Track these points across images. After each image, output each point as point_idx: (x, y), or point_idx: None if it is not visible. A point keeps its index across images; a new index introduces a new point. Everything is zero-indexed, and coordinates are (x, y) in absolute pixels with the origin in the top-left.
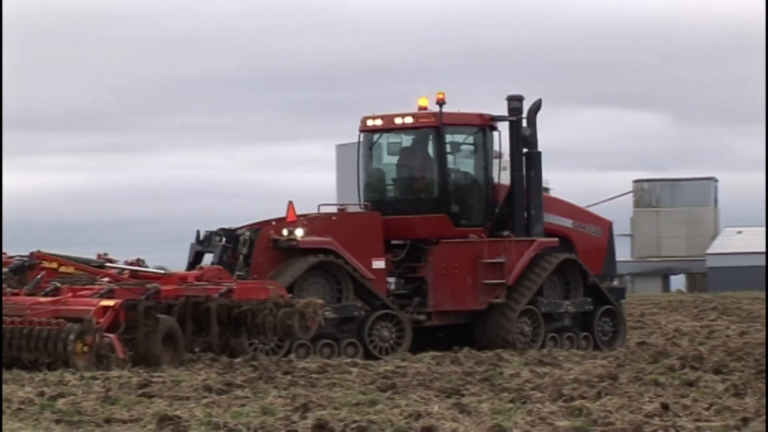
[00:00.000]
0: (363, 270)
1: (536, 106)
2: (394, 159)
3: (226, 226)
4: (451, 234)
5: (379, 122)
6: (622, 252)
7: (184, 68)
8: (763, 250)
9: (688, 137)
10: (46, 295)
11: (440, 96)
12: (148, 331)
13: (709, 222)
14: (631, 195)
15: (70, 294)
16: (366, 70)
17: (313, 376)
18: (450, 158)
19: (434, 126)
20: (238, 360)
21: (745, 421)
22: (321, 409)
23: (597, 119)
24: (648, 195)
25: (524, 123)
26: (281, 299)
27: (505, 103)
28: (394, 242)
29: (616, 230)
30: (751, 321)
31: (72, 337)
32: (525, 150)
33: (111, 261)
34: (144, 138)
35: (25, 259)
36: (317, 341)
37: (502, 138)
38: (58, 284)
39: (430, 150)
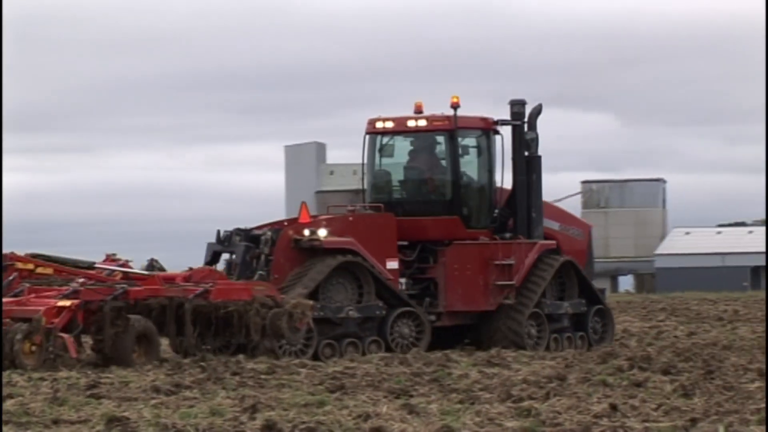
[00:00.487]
0: (384, 270)
1: (537, 111)
2: (405, 161)
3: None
4: (462, 236)
5: (390, 124)
6: None
7: (133, 69)
8: (710, 251)
9: (637, 138)
10: (15, 296)
11: (455, 100)
12: (117, 332)
13: (658, 223)
14: (579, 196)
15: (32, 295)
16: (315, 72)
17: (262, 377)
18: (462, 161)
19: (449, 129)
20: (186, 361)
21: (694, 421)
22: (270, 410)
23: (547, 120)
24: (596, 196)
25: (526, 127)
26: (269, 300)
27: (466, 104)
28: (399, 243)
29: None
30: (700, 321)
31: (19, 336)
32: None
33: (117, 262)
34: (92, 139)
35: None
36: (342, 340)
37: (504, 142)
38: (28, 285)
39: (444, 153)
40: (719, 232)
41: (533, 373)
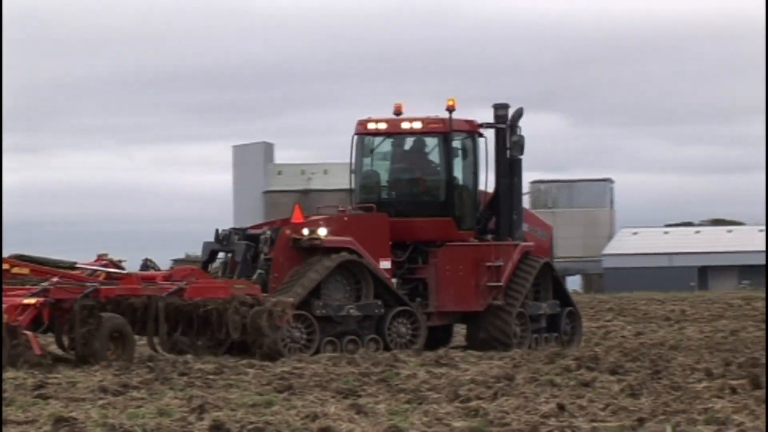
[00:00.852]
0: (380, 269)
1: (519, 114)
2: (398, 162)
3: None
4: (454, 237)
5: (383, 126)
6: None
7: (83, 69)
8: (657, 251)
9: (585, 139)
10: None
11: (451, 103)
12: (90, 329)
13: (605, 223)
14: (527, 196)
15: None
16: (263, 72)
17: (210, 377)
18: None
19: (443, 132)
20: (134, 361)
21: (641, 421)
22: (217, 410)
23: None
24: (544, 196)
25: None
26: (248, 298)
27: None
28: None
29: None
30: (647, 321)
31: None
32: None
33: (111, 262)
34: (42, 139)
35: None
36: (342, 337)
37: (488, 144)
38: None
39: (437, 155)
40: (667, 233)
41: (481, 373)
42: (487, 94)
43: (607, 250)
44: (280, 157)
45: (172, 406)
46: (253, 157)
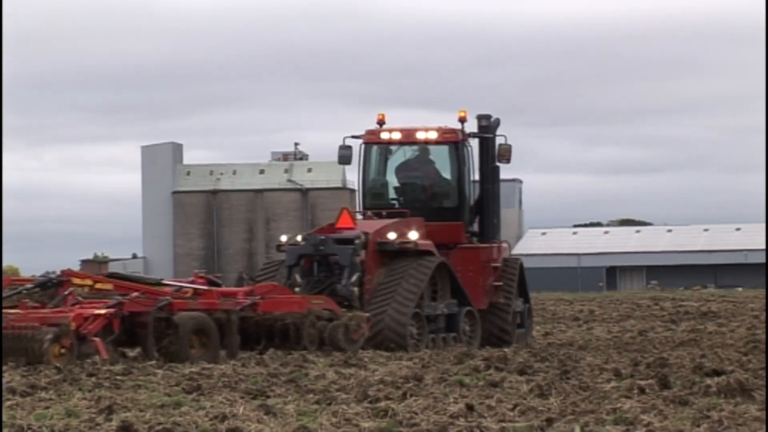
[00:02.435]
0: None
1: (497, 123)
2: (411, 169)
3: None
4: (463, 240)
5: (397, 135)
6: None
7: None
8: (566, 251)
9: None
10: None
11: (462, 114)
12: (171, 339)
13: (514, 223)
14: None
15: (77, 306)
16: (172, 73)
17: (118, 377)
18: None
19: (456, 141)
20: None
21: (550, 421)
22: (126, 410)
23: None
24: None
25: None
26: (324, 312)
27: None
28: None
29: None
30: (555, 322)
31: (49, 337)
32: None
33: (209, 280)
34: None
35: (52, 276)
36: (437, 334)
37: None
38: (81, 298)
39: (450, 163)
40: (575, 233)
41: (390, 374)
42: (394, 94)
43: (516, 251)
44: (189, 157)
45: (80, 407)
46: (162, 158)
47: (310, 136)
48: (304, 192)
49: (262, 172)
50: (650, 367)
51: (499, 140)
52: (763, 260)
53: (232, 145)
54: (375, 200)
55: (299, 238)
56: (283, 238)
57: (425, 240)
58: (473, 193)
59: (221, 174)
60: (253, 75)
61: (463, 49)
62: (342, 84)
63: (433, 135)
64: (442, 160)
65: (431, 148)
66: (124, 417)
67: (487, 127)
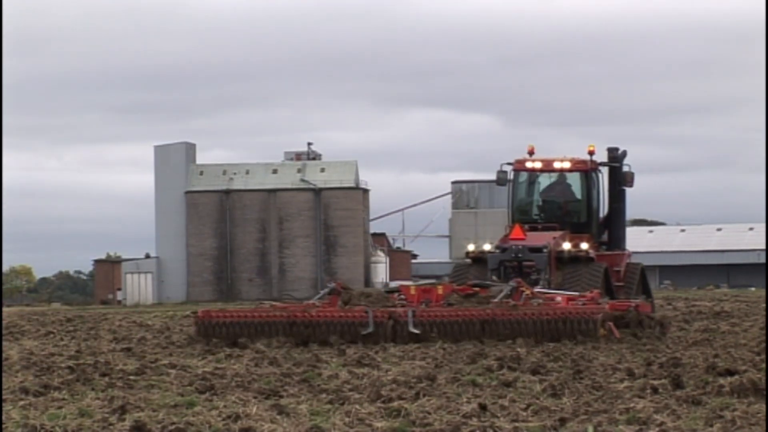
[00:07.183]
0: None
1: (624, 154)
2: (549, 191)
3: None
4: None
5: (538, 164)
6: (441, 253)
7: (13, 69)
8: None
9: (517, 139)
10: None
11: (591, 149)
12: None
13: None
14: (449, 196)
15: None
16: (187, 73)
17: (131, 378)
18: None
19: (587, 170)
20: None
21: (563, 421)
22: (139, 410)
23: (427, 120)
24: (466, 196)
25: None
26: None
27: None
28: None
29: (434, 231)
30: None
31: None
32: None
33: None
34: None
35: (332, 286)
36: None
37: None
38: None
39: (580, 187)
40: None
41: (403, 374)
42: (418, 93)
43: None
44: (202, 157)
45: (93, 406)
46: (175, 158)
47: (323, 136)
48: (317, 192)
49: (275, 171)
50: (663, 366)
51: (625, 168)
52: None
53: (245, 145)
54: (521, 215)
55: (487, 247)
56: (470, 248)
57: (593, 250)
58: (602, 210)
59: (234, 174)
60: (270, 75)
61: (487, 49)
62: (366, 84)
63: (567, 164)
64: (575, 184)
65: (567, 174)
66: (137, 417)
67: (615, 157)
